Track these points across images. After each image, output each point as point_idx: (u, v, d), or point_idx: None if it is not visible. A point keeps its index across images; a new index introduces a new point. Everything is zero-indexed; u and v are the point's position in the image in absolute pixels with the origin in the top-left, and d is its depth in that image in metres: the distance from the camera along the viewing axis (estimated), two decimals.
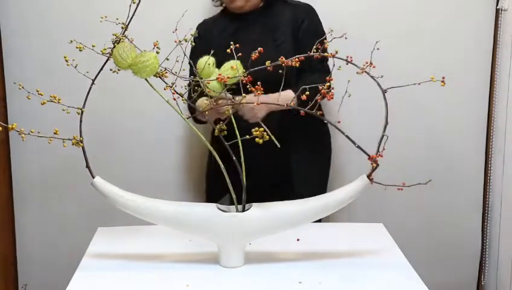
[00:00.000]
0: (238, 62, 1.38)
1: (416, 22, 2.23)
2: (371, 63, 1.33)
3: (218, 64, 1.41)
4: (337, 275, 1.40)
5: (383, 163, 1.38)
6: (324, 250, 1.56)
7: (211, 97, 1.41)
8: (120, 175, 2.07)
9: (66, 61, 1.31)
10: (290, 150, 1.92)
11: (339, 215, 1.75)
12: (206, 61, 1.39)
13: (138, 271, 1.44)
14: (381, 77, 1.33)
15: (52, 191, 2.31)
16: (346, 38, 1.38)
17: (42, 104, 1.29)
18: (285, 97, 1.50)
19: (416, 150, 2.31)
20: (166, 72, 1.37)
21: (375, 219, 1.83)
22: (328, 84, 1.33)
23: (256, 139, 1.30)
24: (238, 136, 1.39)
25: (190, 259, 1.50)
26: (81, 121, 1.34)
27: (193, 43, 1.39)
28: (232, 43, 1.39)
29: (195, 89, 1.41)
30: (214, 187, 2.03)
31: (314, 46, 1.35)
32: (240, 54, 1.37)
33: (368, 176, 1.38)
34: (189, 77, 1.44)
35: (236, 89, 1.38)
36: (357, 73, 1.34)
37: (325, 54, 1.34)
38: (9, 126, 1.25)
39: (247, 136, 1.32)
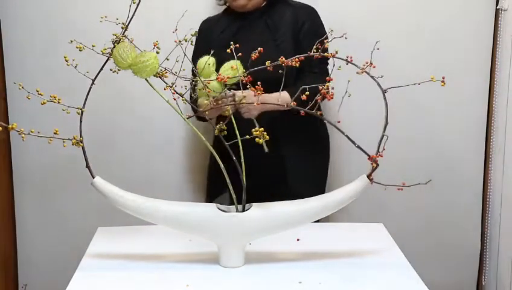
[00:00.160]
0: (238, 62, 1.38)
1: (416, 22, 2.23)
2: (371, 63, 1.33)
3: (220, 63, 1.41)
4: (337, 275, 1.40)
5: (383, 163, 1.38)
6: (324, 250, 1.56)
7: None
8: (120, 175, 2.08)
9: (66, 61, 1.31)
10: (289, 150, 1.92)
11: (339, 215, 1.75)
12: (206, 61, 1.39)
13: (138, 271, 1.44)
14: (381, 77, 1.33)
15: (52, 191, 2.31)
16: (346, 38, 1.38)
17: (42, 104, 1.29)
18: (284, 97, 1.50)
19: (416, 150, 2.31)
20: (166, 72, 1.37)
21: (375, 219, 1.83)
22: (328, 84, 1.33)
23: (256, 139, 1.30)
24: (238, 136, 1.39)
25: (190, 259, 1.50)
26: (81, 121, 1.34)
27: (193, 43, 1.39)
28: (232, 43, 1.39)
29: (196, 89, 1.41)
30: (214, 185, 2.03)
31: (314, 46, 1.35)
32: (240, 54, 1.37)
33: (368, 176, 1.38)
34: (192, 75, 1.44)
35: (236, 89, 1.38)
36: (357, 73, 1.34)
37: (325, 54, 1.34)
38: (10, 126, 1.25)
39: (247, 136, 1.33)
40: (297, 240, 1.60)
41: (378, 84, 1.34)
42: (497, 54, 2.21)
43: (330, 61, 1.34)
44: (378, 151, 1.36)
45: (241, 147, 1.39)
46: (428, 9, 2.23)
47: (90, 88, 1.33)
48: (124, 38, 1.32)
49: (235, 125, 1.42)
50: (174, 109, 1.38)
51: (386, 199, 2.27)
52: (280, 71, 1.32)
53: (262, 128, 1.30)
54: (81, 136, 1.34)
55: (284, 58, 1.33)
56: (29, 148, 2.25)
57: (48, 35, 2.19)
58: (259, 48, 1.35)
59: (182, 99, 1.40)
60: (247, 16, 1.92)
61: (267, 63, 1.34)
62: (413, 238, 2.28)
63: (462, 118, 2.30)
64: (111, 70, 1.34)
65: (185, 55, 1.35)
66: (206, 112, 1.43)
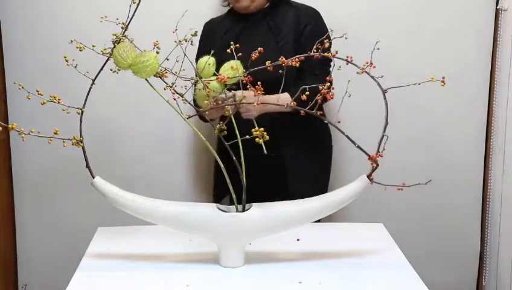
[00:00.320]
0: (238, 62, 1.38)
1: (416, 22, 2.23)
2: (371, 63, 1.33)
3: (221, 64, 1.41)
4: (337, 275, 1.40)
5: (383, 163, 1.38)
6: (324, 250, 1.56)
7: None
8: (120, 175, 2.08)
9: (66, 61, 1.31)
10: (290, 151, 1.92)
11: (339, 215, 1.75)
12: (206, 61, 1.39)
13: (138, 271, 1.44)
14: (382, 77, 1.33)
15: (52, 191, 2.31)
16: (346, 38, 1.38)
17: (42, 104, 1.29)
18: (285, 98, 1.50)
19: (416, 150, 2.31)
20: (166, 72, 1.37)
21: (375, 219, 1.83)
22: (328, 84, 1.33)
23: (257, 139, 1.30)
24: (238, 136, 1.39)
25: (190, 259, 1.50)
26: (81, 121, 1.34)
27: (193, 44, 1.39)
28: (232, 43, 1.39)
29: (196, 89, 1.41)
30: (220, 186, 2.03)
31: (315, 46, 1.35)
32: (240, 54, 1.37)
33: (368, 176, 1.38)
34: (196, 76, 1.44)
35: (236, 89, 1.38)
36: (357, 73, 1.34)
37: (325, 54, 1.34)
38: (10, 126, 1.25)
39: (247, 136, 1.33)
40: (297, 240, 1.60)
41: (379, 84, 1.34)
42: (497, 54, 2.21)
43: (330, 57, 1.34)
44: (378, 151, 1.36)
45: (241, 147, 1.39)
46: (428, 9, 2.23)
47: (90, 88, 1.33)
48: (124, 38, 1.32)
49: (235, 125, 1.42)
50: (174, 109, 1.38)
51: (386, 199, 2.27)
52: (280, 71, 1.32)
53: (262, 129, 1.30)
54: (81, 136, 1.34)
55: (284, 58, 1.33)
56: (29, 148, 2.25)
57: (48, 35, 2.19)
58: (259, 48, 1.35)
59: (182, 99, 1.40)
60: (250, 18, 1.92)
61: (267, 63, 1.34)
62: (413, 238, 2.28)
63: (462, 118, 2.30)
64: (111, 70, 1.34)
65: (185, 55, 1.35)
66: (206, 112, 1.43)
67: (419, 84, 1.36)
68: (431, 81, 1.33)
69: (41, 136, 1.30)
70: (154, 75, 1.35)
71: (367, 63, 1.33)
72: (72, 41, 1.31)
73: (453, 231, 2.37)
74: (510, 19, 2.13)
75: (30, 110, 2.15)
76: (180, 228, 1.44)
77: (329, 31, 1.44)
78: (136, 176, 2.26)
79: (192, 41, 1.38)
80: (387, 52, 2.00)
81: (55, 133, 1.29)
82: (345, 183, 1.44)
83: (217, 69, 1.41)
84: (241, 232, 1.41)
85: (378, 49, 1.35)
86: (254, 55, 1.34)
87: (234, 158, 1.38)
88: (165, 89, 1.37)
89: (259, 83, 1.34)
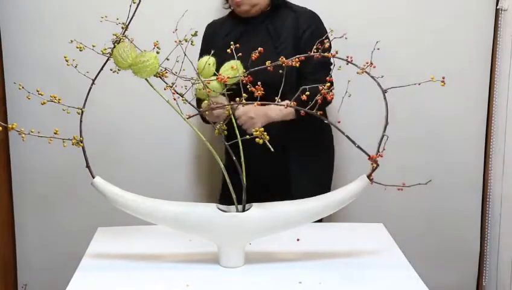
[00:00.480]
0: (238, 62, 1.38)
1: (416, 22, 2.23)
2: (371, 63, 1.33)
3: (222, 65, 1.41)
4: (337, 275, 1.40)
5: (383, 163, 1.38)
6: (324, 250, 1.56)
7: (202, 100, 1.42)
8: (120, 175, 2.08)
9: (66, 61, 1.31)
10: (292, 151, 1.92)
11: (339, 215, 1.75)
12: (206, 61, 1.39)
13: (138, 271, 1.44)
14: (382, 77, 1.33)
15: (52, 191, 2.30)
16: (346, 38, 1.38)
17: (42, 104, 1.29)
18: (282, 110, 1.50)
19: (416, 150, 2.31)
20: (166, 72, 1.37)
21: (375, 219, 1.83)
22: (328, 84, 1.33)
23: (257, 139, 1.30)
24: (238, 136, 1.39)
25: (190, 259, 1.50)
26: (81, 121, 1.34)
27: (193, 44, 1.39)
28: (232, 43, 1.39)
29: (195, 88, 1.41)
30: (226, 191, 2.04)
31: (315, 47, 1.35)
32: (240, 54, 1.37)
33: (368, 176, 1.38)
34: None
35: (237, 89, 1.38)
36: (357, 73, 1.34)
37: (325, 54, 1.34)
38: (10, 126, 1.25)
39: (247, 136, 1.33)
40: (297, 240, 1.60)
41: (379, 84, 1.34)
42: (497, 54, 2.21)
43: (330, 61, 1.34)
44: (378, 151, 1.36)
45: (241, 147, 1.39)
46: (428, 9, 2.23)
47: (90, 88, 1.33)
48: (124, 38, 1.32)
49: (235, 125, 1.42)
50: (174, 109, 1.38)
51: (386, 199, 2.27)
52: (280, 71, 1.32)
53: (262, 129, 1.30)
54: (81, 136, 1.34)
55: (284, 59, 1.33)
56: (28, 148, 2.25)
57: (48, 35, 2.19)
58: (259, 48, 1.35)
59: (182, 99, 1.40)
60: (251, 21, 1.92)
61: (267, 63, 1.34)
62: (413, 239, 2.28)
63: (462, 118, 2.30)
64: (111, 70, 1.34)
65: (185, 55, 1.35)
66: (207, 113, 1.43)
67: (419, 84, 1.36)
68: (431, 81, 1.33)
69: (41, 136, 1.30)
70: (154, 75, 1.35)
71: (367, 63, 1.33)
72: (72, 41, 1.31)
73: (453, 231, 2.37)
74: (510, 19, 2.13)
75: (30, 110, 2.15)
76: (180, 228, 1.44)
77: (329, 31, 1.44)
78: (136, 176, 2.26)
79: (192, 41, 1.38)
80: (387, 52, 2.00)
81: (55, 133, 1.29)
82: (345, 183, 1.44)
83: (218, 70, 1.41)
84: (241, 232, 1.41)
85: (378, 49, 1.35)
86: (254, 55, 1.34)
87: (234, 158, 1.38)
88: (165, 89, 1.37)
89: (259, 83, 1.34)
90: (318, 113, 1.32)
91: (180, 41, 1.37)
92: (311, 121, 1.53)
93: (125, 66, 1.32)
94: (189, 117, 1.43)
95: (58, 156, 2.20)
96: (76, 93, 1.34)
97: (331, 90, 1.33)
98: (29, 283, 2.37)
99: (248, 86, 1.35)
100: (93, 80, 1.33)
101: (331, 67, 1.81)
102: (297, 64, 1.33)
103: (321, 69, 1.76)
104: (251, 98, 1.35)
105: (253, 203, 1.42)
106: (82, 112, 1.34)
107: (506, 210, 2.17)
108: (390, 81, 1.35)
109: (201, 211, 1.42)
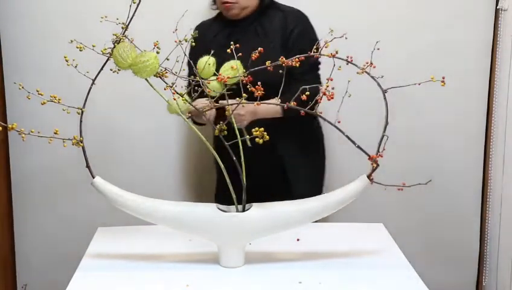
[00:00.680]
0: (238, 62, 1.38)
1: (416, 22, 2.23)
2: (371, 63, 1.33)
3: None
4: (337, 275, 1.40)
5: (383, 163, 1.38)
6: (324, 250, 1.56)
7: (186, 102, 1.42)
8: (120, 175, 2.07)
9: (66, 61, 1.31)
10: (284, 150, 1.93)
11: (339, 215, 1.74)
12: (206, 61, 1.39)
13: (138, 271, 1.44)
14: (382, 77, 1.33)
15: (52, 191, 2.30)
16: (346, 38, 1.38)
17: (42, 104, 1.29)
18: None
19: (416, 150, 2.31)
20: (166, 72, 1.37)
21: (375, 219, 1.83)
22: (328, 83, 1.33)
23: (257, 139, 1.30)
24: (238, 136, 1.39)
25: (190, 259, 1.50)
26: (81, 121, 1.34)
27: (193, 43, 1.39)
28: (232, 43, 1.39)
29: (196, 89, 1.41)
30: (220, 189, 2.04)
31: (314, 47, 1.34)
32: (229, 52, 1.37)
33: (368, 176, 1.38)
34: (189, 77, 1.45)
35: (237, 89, 1.38)
36: (357, 73, 1.34)
37: (325, 54, 1.34)
38: (9, 126, 1.25)
39: (247, 136, 1.32)
40: (297, 240, 1.60)
41: (379, 84, 1.34)
42: (497, 54, 2.21)
43: (330, 61, 1.33)
44: (378, 151, 1.36)
45: (241, 147, 1.39)
46: (428, 9, 2.23)
47: (90, 88, 1.33)
48: (124, 38, 1.32)
49: (235, 125, 1.42)
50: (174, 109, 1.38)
51: (386, 199, 2.27)
52: (280, 71, 1.32)
53: (262, 129, 1.30)
54: (81, 136, 1.34)
55: (283, 59, 1.33)
56: (29, 148, 2.25)
57: (48, 35, 2.19)
58: (259, 48, 1.35)
59: (182, 99, 1.40)
60: (239, 23, 1.92)
61: (267, 63, 1.34)
62: (413, 238, 2.28)
63: (462, 118, 2.30)
64: (111, 70, 1.34)
65: (185, 55, 1.35)
66: (206, 113, 1.43)
67: (419, 84, 1.36)
68: (431, 81, 1.33)
69: (41, 136, 1.30)
70: (154, 75, 1.35)
71: (367, 63, 1.33)
72: (72, 41, 1.31)
73: (453, 230, 2.37)
74: (510, 19, 2.13)
75: (30, 110, 2.15)
76: (180, 228, 1.44)
77: (329, 31, 1.43)
78: (136, 176, 2.26)
79: (192, 41, 1.38)
80: (387, 52, 2.00)
81: (55, 133, 1.29)
82: (345, 183, 1.44)
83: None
84: (241, 232, 1.41)
85: (378, 49, 1.35)
86: (254, 55, 1.35)
87: (234, 158, 1.38)
88: (165, 89, 1.37)
89: (259, 83, 1.34)
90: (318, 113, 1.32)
91: (180, 41, 1.37)
92: (299, 120, 1.53)
93: (125, 66, 1.32)
94: (189, 117, 1.43)
95: (58, 156, 2.19)
96: (76, 93, 1.34)
97: (330, 90, 1.32)
98: (29, 283, 2.37)
99: (248, 86, 1.35)
100: (93, 80, 1.33)
101: (319, 66, 1.82)
102: (298, 64, 1.33)
103: (311, 70, 1.78)
104: (251, 98, 1.35)
105: (253, 203, 1.42)
106: (82, 112, 1.33)
107: (506, 210, 2.17)
108: (390, 81, 1.35)
109: (201, 211, 1.42)
